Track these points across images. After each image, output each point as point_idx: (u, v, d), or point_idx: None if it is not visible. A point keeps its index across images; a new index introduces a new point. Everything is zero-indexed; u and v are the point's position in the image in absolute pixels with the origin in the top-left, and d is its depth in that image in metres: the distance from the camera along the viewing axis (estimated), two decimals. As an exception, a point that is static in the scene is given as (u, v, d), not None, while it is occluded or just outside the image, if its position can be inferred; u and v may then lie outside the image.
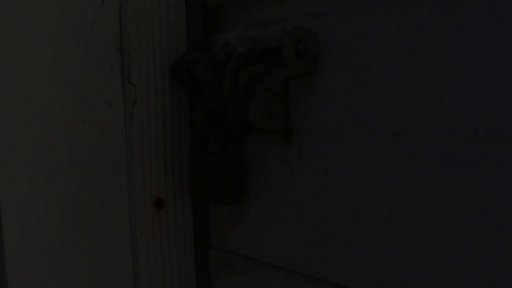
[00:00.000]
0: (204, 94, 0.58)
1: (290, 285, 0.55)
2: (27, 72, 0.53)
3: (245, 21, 0.60)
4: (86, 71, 0.57)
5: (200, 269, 0.65)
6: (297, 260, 0.54)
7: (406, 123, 0.44)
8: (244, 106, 0.52)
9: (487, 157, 0.39)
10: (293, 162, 0.53)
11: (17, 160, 0.52)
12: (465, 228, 0.40)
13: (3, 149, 0.51)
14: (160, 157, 0.61)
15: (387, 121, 0.45)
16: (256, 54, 0.53)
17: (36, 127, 0.54)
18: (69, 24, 0.55)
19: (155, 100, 0.60)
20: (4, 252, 0.52)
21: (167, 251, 0.62)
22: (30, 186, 0.53)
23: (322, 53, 0.50)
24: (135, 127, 0.59)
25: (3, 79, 0.52)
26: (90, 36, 0.57)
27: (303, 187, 0.52)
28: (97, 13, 0.57)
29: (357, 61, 0.47)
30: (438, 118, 0.42)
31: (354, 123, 0.48)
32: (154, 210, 0.61)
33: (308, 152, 0.52)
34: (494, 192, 0.38)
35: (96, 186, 0.58)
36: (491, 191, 0.39)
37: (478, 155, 0.39)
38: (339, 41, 0.48)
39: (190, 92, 0.62)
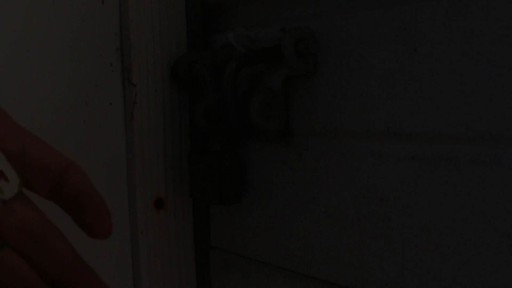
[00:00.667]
0: (204, 94, 0.58)
1: (290, 285, 0.55)
2: (26, 72, 0.53)
3: (245, 21, 0.60)
4: (86, 71, 0.57)
5: (200, 269, 0.65)
6: (297, 260, 0.54)
7: (406, 123, 0.44)
8: (244, 106, 0.52)
9: (487, 157, 0.39)
10: (293, 162, 0.53)
11: (17, 160, 0.52)
12: (465, 228, 0.40)
13: (3, 149, 0.51)
14: (160, 157, 0.61)
15: (387, 121, 0.45)
16: (256, 54, 0.53)
17: (36, 127, 0.54)
18: (69, 24, 0.55)
19: (155, 100, 0.60)
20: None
21: (167, 251, 0.62)
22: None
23: (322, 53, 0.50)
24: (135, 127, 0.59)
25: (3, 79, 0.52)
26: (90, 36, 0.57)
27: (303, 187, 0.52)
28: (97, 13, 0.57)
29: (357, 61, 0.47)
30: (438, 118, 0.42)
31: (354, 123, 0.48)
32: (154, 210, 0.61)
33: (308, 152, 0.52)
34: (494, 192, 0.38)
35: (95, 186, 0.58)
36: (491, 191, 0.39)
37: (478, 155, 0.39)
38: (339, 41, 0.48)
39: (190, 92, 0.62)
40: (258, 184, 0.58)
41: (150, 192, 0.60)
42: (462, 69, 0.40)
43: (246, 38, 0.55)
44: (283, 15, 0.55)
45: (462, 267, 0.41)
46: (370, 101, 0.46)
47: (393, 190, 0.45)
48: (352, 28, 0.47)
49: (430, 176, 0.42)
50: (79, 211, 0.38)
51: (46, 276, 0.35)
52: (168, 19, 0.60)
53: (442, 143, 0.42)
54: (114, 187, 0.60)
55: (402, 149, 0.44)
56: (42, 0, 0.54)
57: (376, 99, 0.46)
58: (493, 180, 0.39)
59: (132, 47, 0.58)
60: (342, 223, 0.49)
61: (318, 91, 0.50)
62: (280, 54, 0.49)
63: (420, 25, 0.42)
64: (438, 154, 0.42)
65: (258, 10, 0.58)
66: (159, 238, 0.61)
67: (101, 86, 0.58)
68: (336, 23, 0.48)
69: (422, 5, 0.42)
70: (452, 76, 0.40)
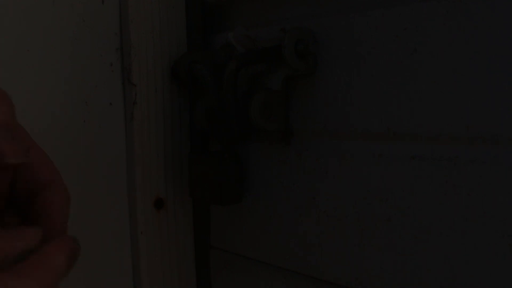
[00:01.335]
0: (204, 94, 0.58)
1: (290, 285, 0.55)
2: (26, 72, 0.53)
3: (245, 21, 0.60)
4: (86, 71, 0.57)
5: (200, 269, 0.66)
6: (297, 260, 0.54)
7: (406, 123, 0.44)
8: (244, 106, 0.52)
9: (487, 157, 0.39)
10: (293, 162, 0.53)
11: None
12: (465, 228, 0.40)
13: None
14: (160, 157, 0.61)
15: (387, 121, 0.45)
16: (256, 54, 0.53)
17: (36, 127, 0.54)
18: (69, 24, 0.55)
19: (155, 100, 0.60)
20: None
21: (167, 251, 0.62)
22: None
23: (322, 53, 0.50)
24: (135, 127, 0.59)
25: (3, 79, 0.52)
26: (90, 36, 0.57)
27: (303, 187, 0.52)
28: (97, 13, 0.57)
29: (357, 61, 0.47)
30: (438, 118, 0.42)
31: (354, 123, 0.48)
32: (154, 210, 0.61)
33: (308, 152, 0.52)
34: (494, 192, 0.38)
35: (95, 186, 0.58)
36: (491, 191, 0.39)
37: (478, 155, 0.39)
38: (339, 41, 0.48)
39: (190, 92, 0.62)
40: (258, 184, 0.58)
41: (150, 192, 0.60)
42: (462, 69, 0.40)
43: (246, 38, 0.55)
44: (283, 15, 0.55)
45: (462, 267, 0.41)
46: (370, 101, 0.46)
47: (393, 190, 0.45)
48: (352, 28, 0.47)
49: (430, 176, 0.42)
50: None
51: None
52: (168, 19, 0.60)
53: (442, 143, 0.42)
54: (114, 187, 0.60)
55: (402, 149, 0.44)
56: (42, 0, 0.54)
57: (376, 99, 0.46)
58: (493, 180, 0.39)
59: (132, 47, 0.58)
60: (342, 223, 0.49)
61: (318, 91, 0.50)
62: (280, 54, 0.49)
63: (420, 25, 0.42)
64: (438, 154, 0.42)
65: (258, 10, 0.58)
66: (159, 238, 0.61)
67: (101, 86, 0.58)
68: (336, 23, 0.48)
69: (422, 5, 0.42)
70: (452, 76, 0.40)
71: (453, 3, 0.40)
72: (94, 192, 0.58)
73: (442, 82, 0.41)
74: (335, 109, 0.49)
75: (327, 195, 0.50)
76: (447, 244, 0.41)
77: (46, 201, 0.35)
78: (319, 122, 0.51)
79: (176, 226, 0.63)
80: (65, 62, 0.56)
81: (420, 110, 0.43)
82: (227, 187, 0.56)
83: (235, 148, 0.60)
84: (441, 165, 0.41)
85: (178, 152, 0.62)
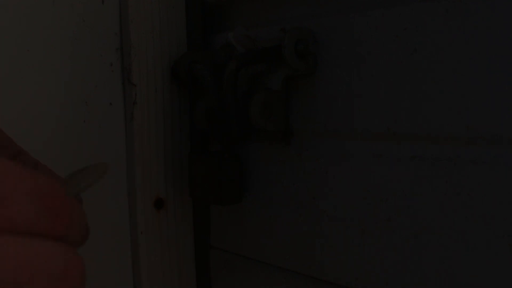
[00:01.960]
0: (204, 94, 0.58)
1: (290, 285, 0.55)
2: (27, 72, 0.53)
3: (245, 21, 0.60)
4: (86, 71, 0.57)
5: (200, 269, 0.65)
6: (297, 260, 0.54)
7: (406, 123, 0.44)
8: (244, 106, 0.52)
9: (487, 157, 0.39)
10: (293, 162, 0.53)
11: (17, 160, 0.52)
12: (465, 228, 0.40)
13: (3, 149, 0.51)
14: (160, 157, 0.61)
15: (387, 121, 0.45)
16: (256, 54, 0.53)
17: (36, 127, 0.54)
18: (69, 24, 0.55)
19: (155, 100, 0.60)
20: None
21: (167, 251, 0.62)
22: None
23: (322, 53, 0.50)
24: (135, 127, 0.59)
25: (3, 79, 0.52)
26: (90, 36, 0.57)
27: (303, 187, 0.52)
28: (97, 13, 0.57)
29: (357, 61, 0.47)
30: (438, 118, 0.42)
31: (354, 123, 0.48)
32: (154, 210, 0.61)
33: (308, 152, 0.52)
34: (494, 192, 0.38)
35: (95, 186, 0.58)
36: (491, 191, 0.39)
37: (478, 155, 0.39)
38: (339, 41, 0.48)
39: (190, 92, 0.62)
40: (258, 184, 0.58)
41: (150, 192, 0.60)
42: (462, 69, 0.40)
43: (246, 38, 0.55)
44: (283, 15, 0.55)
45: (462, 267, 0.41)
46: (370, 101, 0.46)
47: (393, 190, 0.45)
48: (352, 28, 0.47)
49: (430, 176, 0.42)
50: None
51: None
52: (168, 19, 0.60)
53: (442, 143, 0.42)
54: (114, 187, 0.60)
55: (402, 149, 0.44)
56: (42, 0, 0.54)
57: (376, 99, 0.46)
58: (493, 180, 0.39)
59: (132, 47, 0.58)
60: (342, 223, 0.49)
61: (318, 91, 0.50)
62: (280, 54, 0.49)
63: (420, 25, 0.42)
64: (438, 154, 0.42)
65: (258, 10, 0.58)
66: (159, 238, 0.61)
67: (101, 86, 0.58)
68: (336, 23, 0.48)
69: (422, 5, 0.42)
70: (452, 76, 0.40)
71: (453, 3, 0.40)
72: (94, 192, 0.58)
73: (442, 82, 0.41)
74: (335, 109, 0.49)
75: (327, 195, 0.50)
76: (447, 244, 0.41)
77: None
78: (319, 122, 0.51)
79: (176, 226, 0.63)
80: (65, 62, 0.56)
81: (420, 110, 0.43)
82: (227, 187, 0.56)
83: (235, 148, 0.60)
84: (441, 165, 0.41)
85: (178, 152, 0.62)
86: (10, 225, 0.21)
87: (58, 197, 0.23)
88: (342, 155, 0.49)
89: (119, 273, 0.61)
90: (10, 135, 0.42)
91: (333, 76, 0.49)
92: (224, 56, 0.58)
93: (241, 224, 0.60)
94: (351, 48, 0.47)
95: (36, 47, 0.54)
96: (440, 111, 0.41)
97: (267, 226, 0.57)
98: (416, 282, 0.44)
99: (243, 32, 0.55)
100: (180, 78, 0.60)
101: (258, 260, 0.59)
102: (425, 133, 0.43)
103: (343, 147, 0.49)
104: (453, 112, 0.41)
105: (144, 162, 0.60)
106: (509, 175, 0.38)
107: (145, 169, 0.60)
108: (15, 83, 0.53)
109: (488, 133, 0.39)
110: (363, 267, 0.48)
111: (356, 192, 0.48)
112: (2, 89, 0.52)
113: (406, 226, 0.44)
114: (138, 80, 0.58)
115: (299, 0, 0.53)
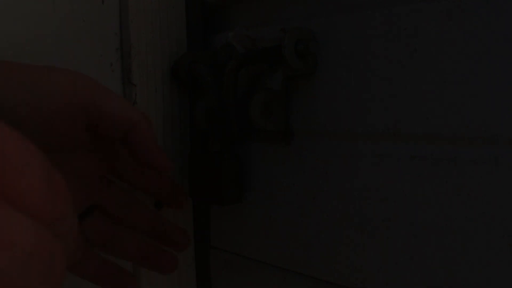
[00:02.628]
0: (204, 94, 0.58)
1: (290, 285, 0.55)
2: (27, 72, 0.53)
3: (245, 21, 0.60)
4: (86, 71, 0.57)
5: (200, 269, 0.66)
6: (297, 260, 0.54)
7: (406, 123, 0.44)
8: (244, 106, 0.52)
9: (487, 157, 0.39)
10: (293, 162, 0.53)
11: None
12: (465, 228, 0.40)
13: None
14: (160, 157, 0.61)
15: (387, 121, 0.45)
16: (256, 54, 0.53)
17: (36, 127, 0.54)
18: (69, 24, 0.55)
19: (155, 100, 0.60)
20: None
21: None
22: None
23: (322, 53, 0.50)
24: (135, 127, 0.59)
25: (3, 79, 0.52)
26: (90, 36, 0.57)
27: (303, 187, 0.52)
28: (97, 13, 0.57)
29: (357, 61, 0.47)
30: (438, 118, 0.42)
31: (354, 123, 0.48)
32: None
33: (308, 152, 0.52)
34: (494, 192, 0.38)
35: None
36: (491, 191, 0.39)
37: (478, 155, 0.39)
38: (339, 41, 0.48)
39: (190, 92, 0.62)
40: (258, 184, 0.58)
41: (150, 192, 0.60)
42: (462, 69, 0.40)
43: (246, 38, 0.55)
44: (283, 15, 0.55)
45: (462, 267, 0.41)
46: (370, 101, 0.46)
47: (393, 190, 0.45)
48: (352, 28, 0.47)
49: (430, 176, 0.42)
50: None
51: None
52: (168, 19, 0.60)
53: (442, 143, 0.42)
54: (114, 187, 0.60)
55: (402, 149, 0.44)
56: (41, 0, 0.54)
57: (376, 99, 0.46)
58: (493, 180, 0.39)
59: (132, 47, 0.58)
60: (342, 223, 0.49)
61: (318, 91, 0.50)
62: (280, 54, 0.49)
63: (420, 25, 0.42)
64: (438, 154, 0.42)
65: (258, 10, 0.58)
66: (159, 238, 0.61)
67: (101, 86, 0.58)
68: (336, 23, 0.48)
69: (422, 5, 0.42)
70: (452, 76, 0.41)
71: (453, 3, 0.40)
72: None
73: (442, 82, 0.41)
74: (335, 109, 0.49)
75: (327, 195, 0.50)
76: (447, 244, 0.41)
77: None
78: (319, 122, 0.51)
79: (176, 226, 0.63)
80: (65, 62, 0.55)
81: (420, 110, 0.43)
82: (227, 187, 0.56)
83: (235, 148, 0.60)
84: (441, 165, 0.41)
85: (178, 152, 0.62)
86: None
87: (64, 186, 0.24)
88: (342, 155, 0.49)
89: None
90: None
91: (333, 76, 0.49)
92: (224, 56, 0.58)
93: (241, 224, 0.60)
94: (351, 48, 0.47)
95: (36, 47, 0.54)
96: (440, 111, 0.41)
97: (267, 226, 0.57)
98: (416, 282, 0.44)
99: (243, 32, 0.55)
100: (180, 78, 0.60)
101: (258, 260, 0.59)
102: (425, 133, 0.43)
103: (343, 147, 0.49)
104: (453, 112, 0.41)
105: (144, 162, 0.59)
106: (509, 175, 0.38)
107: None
108: (15, 83, 0.52)
109: (488, 133, 0.39)
110: (363, 267, 0.48)
111: (356, 192, 0.48)
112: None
113: (406, 226, 0.44)
114: (138, 80, 0.58)
115: (299, 0, 0.53)
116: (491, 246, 0.39)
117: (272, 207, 0.56)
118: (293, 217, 0.54)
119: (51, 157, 0.24)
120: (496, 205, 0.38)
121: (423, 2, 0.42)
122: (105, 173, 0.52)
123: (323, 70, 0.50)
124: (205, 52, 0.61)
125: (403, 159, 0.44)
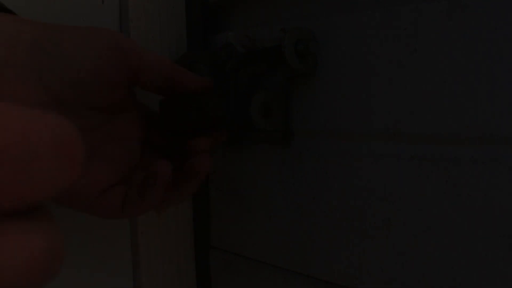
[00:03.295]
0: (204, 94, 0.58)
1: (290, 285, 0.55)
2: (27, 72, 0.53)
3: (245, 21, 0.60)
4: (86, 71, 0.57)
5: (200, 269, 0.65)
6: (297, 260, 0.54)
7: (406, 123, 0.44)
8: (244, 106, 0.52)
9: (487, 157, 0.39)
10: (293, 162, 0.53)
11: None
12: (465, 228, 0.40)
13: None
14: (160, 157, 0.61)
15: (387, 121, 0.45)
16: (256, 54, 0.53)
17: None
18: (69, 24, 0.55)
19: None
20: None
21: (167, 251, 0.62)
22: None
23: (322, 53, 0.50)
24: (135, 127, 0.59)
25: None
26: (90, 36, 0.57)
27: (303, 187, 0.52)
28: (97, 13, 0.57)
29: (357, 61, 0.47)
30: (438, 118, 0.42)
31: (354, 123, 0.48)
32: (153, 210, 0.61)
33: (308, 152, 0.52)
34: (494, 192, 0.38)
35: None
36: (491, 191, 0.39)
37: (478, 155, 0.39)
38: (339, 41, 0.48)
39: (190, 92, 0.62)
40: (258, 184, 0.58)
41: (150, 192, 0.60)
42: (462, 69, 0.40)
43: (246, 38, 0.55)
44: (283, 15, 0.55)
45: (462, 267, 0.41)
46: (370, 101, 0.46)
47: (393, 190, 0.45)
48: (352, 28, 0.47)
49: (430, 176, 0.42)
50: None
51: None
52: (168, 19, 0.60)
53: (442, 143, 0.42)
54: (114, 187, 0.60)
55: (402, 149, 0.44)
56: (41, 0, 0.54)
57: (376, 99, 0.46)
58: (493, 180, 0.39)
59: (132, 47, 0.58)
60: (342, 223, 0.49)
61: (318, 91, 0.50)
62: (280, 54, 0.49)
63: (420, 25, 0.42)
64: (438, 154, 0.42)
65: (258, 10, 0.58)
66: (159, 238, 0.61)
67: (101, 86, 0.58)
68: (336, 23, 0.48)
69: (422, 5, 0.42)
70: (452, 76, 0.41)
71: (453, 3, 0.40)
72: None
73: (442, 82, 0.41)
74: (335, 109, 0.49)
75: (327, 195, 0.50)
76: (447, 244, 0.41)
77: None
78: (319, 122, 0.51)
79: (176, 226, 0.63)
80: (65, 62, 0.55)
81: (420, 110, 0.43)
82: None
83: (235, 147, 0.60)
84: (441, 165, 0.41)
85: (178, 152, 0.62)
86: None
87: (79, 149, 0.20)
88: (342, 155, 0.49)
89: (119, 273, 0.61)
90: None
91: (333, 76, 0.49)
92: (224, 56, 0.58)
93: (241, 224, 0.60)
94: (351, 48, 0.47)
95: (36, 47, 0.53)
96: (440, 111, 0.41)
97: (267, 226, 0.57)
98: (416, 282, 0.44)
99: (243, 32, 0.55)
100: (180, 78, 0.60)
101: (258, 260, 0.59)
102: (425, 133, 0.43)
103: (343, 147, 0.49)
104: (453, 112, 0.41)
105: (144, 162, 0.59)
106: (509, 175, 0.38)
107: (145, 169, 0.60)
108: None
109: (488, 133, 0.39)
110: (363, 267, 0.48)
111: (356, 192, 0.48)
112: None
113: (406, 226, 0.44)
114: (138, 80, 0.58)
115: (299, 0, 0.53)
116: (491, 246, 0.39)
117: (272, 207, 0.56)
118: (293, 217, 0.54)
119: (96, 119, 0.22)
120: (496, 205, 0.38)
121: (423, 2, 0.42)
122: (145, 137, 0.53)
123: (323, 70, 0.50)
124: (205, 52, 0.61)
125: (403, 159, 0.44)
